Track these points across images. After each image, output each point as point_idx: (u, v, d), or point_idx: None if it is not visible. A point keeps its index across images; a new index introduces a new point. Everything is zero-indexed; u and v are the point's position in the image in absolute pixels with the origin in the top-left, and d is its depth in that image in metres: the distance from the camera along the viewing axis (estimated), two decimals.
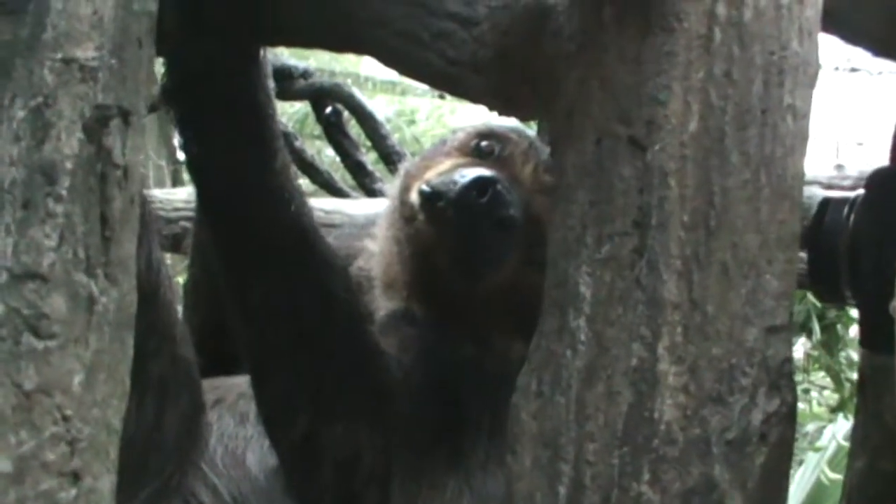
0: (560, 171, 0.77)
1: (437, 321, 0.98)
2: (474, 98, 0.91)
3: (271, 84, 0.86)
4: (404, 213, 1.00)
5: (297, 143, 2.88)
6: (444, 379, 0.94)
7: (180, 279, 1.23)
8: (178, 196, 1.63)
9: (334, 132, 2.83)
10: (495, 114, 0.90)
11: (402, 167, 1.14)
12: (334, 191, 2.81)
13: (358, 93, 2.65)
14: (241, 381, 0.94)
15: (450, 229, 0.94)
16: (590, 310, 0.69)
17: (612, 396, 0.66)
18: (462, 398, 0.95)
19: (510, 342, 1.00)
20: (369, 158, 2.89)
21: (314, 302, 0.84)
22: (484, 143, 1.05)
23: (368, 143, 2.87)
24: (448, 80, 0.87)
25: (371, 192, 2.34)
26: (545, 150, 1.06)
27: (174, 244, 1.51)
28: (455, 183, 0.93)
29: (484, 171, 0.95)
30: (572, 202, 0.73)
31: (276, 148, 0.82)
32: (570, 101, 0.75)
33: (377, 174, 2.66)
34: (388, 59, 0.91)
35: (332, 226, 1.47)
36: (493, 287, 0.98)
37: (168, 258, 1.39)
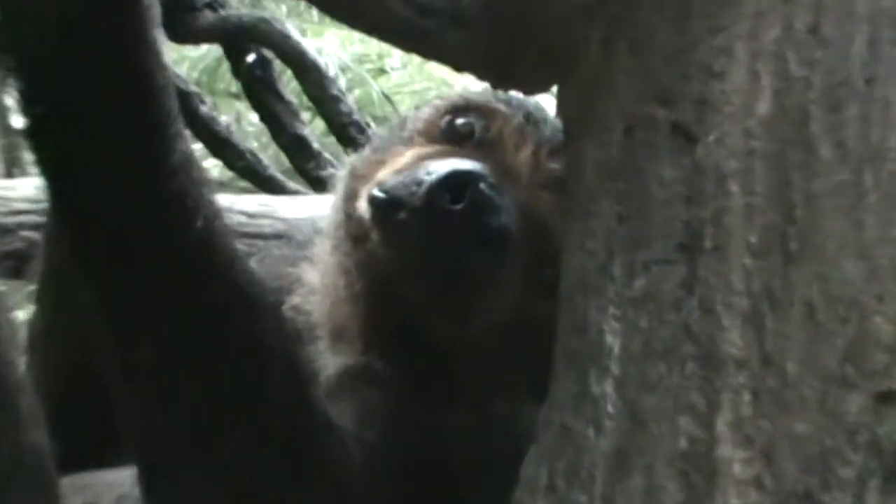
0: (576, 172, 0.76)
1: (410, 380, 0.97)
2: (456, 62, 0.90)
3: (162, 33, 0.84)
4: (352, 230, 0.98)
5: (204, 108, 2.88)
6: (426, 461, 0.93)
7: (23, 314, 1.17)
8: (19, 192, 1.48)
9: (260, 91, 2.83)
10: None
11: (349, 162, 1.11)
12: (261, 181, 2.80)
13: (295, 32, 2.62)
14: (122, 477, 0.91)
15: (417, 251, 0.92)
16: (619, 369, 0.69)
17: (652, 493, 0.65)
18: (450, 488, 0.94)
19: (517, 404, 1.00)
20: (314, 130, 2.90)
21: (233, 360, 0.82)
22: (460, 122, 1.04)
23: (313, 108, 2.87)
24: (419, 37, 0.86)
25: (316, 184, 2.33)
26: (552, 125, 1.03)
27: (15, 266, 1.39)
28: (419, 183, 0.91)
29: (460, 164, 0.93)
30: (593, 216, 0.72)
31: (170, 134, 0.79)
32: (590, 73, 0.74)
33: (326, 155, 2.67)
34: (334, 7, 0.91)
35: (260, 237, 1.46)
36: (487, 326, 0.96)
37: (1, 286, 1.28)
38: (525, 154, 1.01)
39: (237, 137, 2.64)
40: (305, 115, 2.63)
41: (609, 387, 0.70)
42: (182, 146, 0.81)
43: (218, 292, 0.84)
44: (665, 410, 0.68)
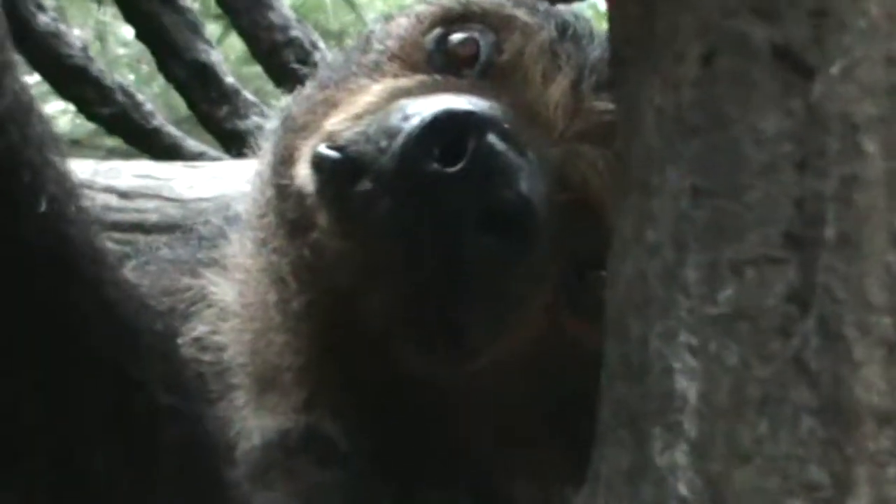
0: (630, 124, 0.77)
1: (377, 451, 1.00)
2: None
3: None
4: (287, 213, 1.02)
5: (44, 18, 2.90)
6: None
7: None
8: None
9: None
10: None
11: (283, 106, 1.15)
12: (140, 136, 2.85)
13: None
14: None
15: (389, 243, 0.95)
16: (697, 429, 0.71)
17: None
18: None
19: (542, 487, 1.02)
20: (226, 55, 2.94)
21: (95, 430, 0.85)
22: (456, 38, 1.08)
23: (224, 18, 2.91)
24: None
25: (230, 140, 2.37)
26: (601, 43, 1.06)
27: None
28: (392, 134, 0.94)
29: (456, 102, 0.95)
30: (655, 192, 0.74)
31: None
32: None
33: (246, 95, 2.71)
34: None
35: (139, 229, 1.50)
36: (499, 363, 0.99)
37: None
38: (559, 88, 1.03)
39: (100, 66, 2.68)
40: (212, 31, 2.67)
41: (682, 456, 0.72)
42: (13, 84, 0.83)
43: (71, 319, 0.86)
44: (768, 492, 0.70)
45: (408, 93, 1.02)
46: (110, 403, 0.87)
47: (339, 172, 0.96)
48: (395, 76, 1.08)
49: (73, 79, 2.57)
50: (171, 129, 2.50)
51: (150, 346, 0.90)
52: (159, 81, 3.07)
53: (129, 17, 2.83)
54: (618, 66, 0.82)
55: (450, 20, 1.11)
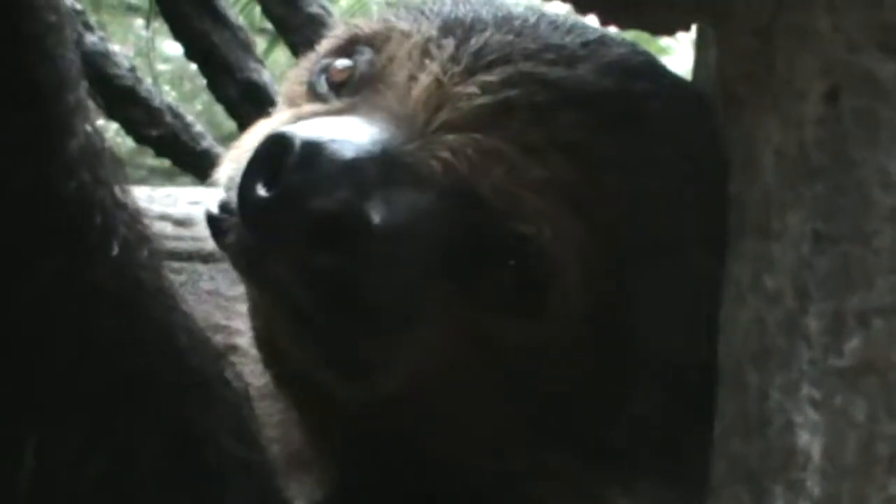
0: (747, 165, 0.77)
1: (394, 496, 1.00)
2: None
3: None
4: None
5: (92, 38, 2.91)
6: None
7: None
8: None
9: (185, 6, 2.85)
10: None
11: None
12: (189, 158, 2.85)
13: None
14: None
15: (256, 286, 0.98)
16: (822, 488, 0.70)
17: None
18: None
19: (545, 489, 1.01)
20: (274, 72, 2.94)
21: (167, 478, 0.86)
22: (338, 65, 1.07)
23: (274, 34, 2.91)
24: None
25: None
26: (500, 26, 1.04)
27: None
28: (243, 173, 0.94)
29: (282, 128, 0.95)
30: (774, 237, 0.74)
31: (67, 107, 0.81)
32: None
33: None
34: None
35: (199, 259, 1.49)
36: (443, 377, 0.99)
37: None
38: (422, 84, 1.02)
39: (148, 87, 2.68)
40: (263, 47, 2.67)
41: None
42: (85, 125, 0.83)
43: (141, 366, 0.86)
44: None
45: (290, 121, 1.03)
46: (180, 454, 0.88)
47: (212, 227, 0.98)
48: (297, 105, 1.09)
49: (121, 99, 2.57)
50: (221, 151, 2.50)
51: (221, 396, 0.91)
52: (202, 98, 3.07)
53: (179, 35, 2.83)
54: (732, 106, 0.81)
55: (338, 49, 1.12)
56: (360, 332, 0.96)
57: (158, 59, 4.20)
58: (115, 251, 0.84)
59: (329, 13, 2.72)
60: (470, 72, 1.01)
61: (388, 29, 1.07)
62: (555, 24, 1.07)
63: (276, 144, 0.93)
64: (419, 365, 0.98)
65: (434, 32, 1.04)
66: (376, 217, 0.93)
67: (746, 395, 0.76)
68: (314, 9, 2.63)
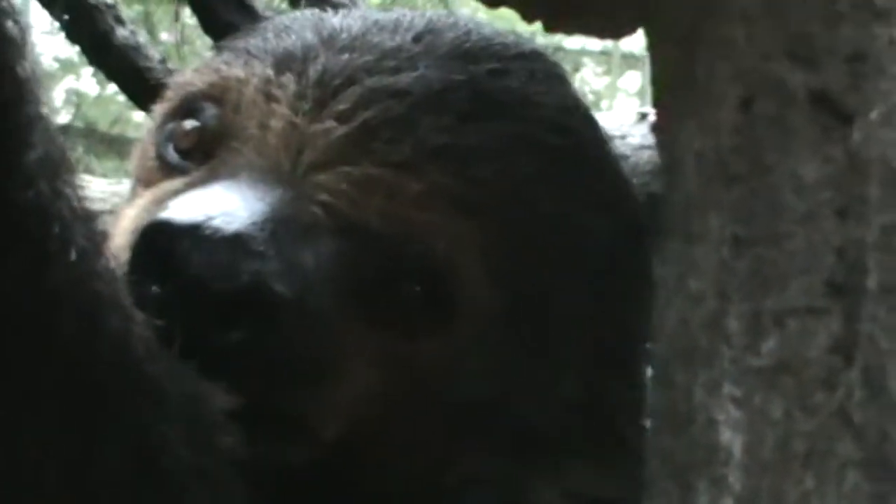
0: (672, 169, 0.79)
1: None
2: None
3: None
4: None
5: (123, 31, 2.96)
6: None
7: None
8: None
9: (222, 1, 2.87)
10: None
11: None
12: None
13: None
14: None
15: None
16: (742, 482, 0.72)
17: None
18: None
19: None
20: None
21: (124, 485, 0.87)
22: (179, 131, 1.07)
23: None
24: None
25: None
26: (336, 47, 1.04)
27: None
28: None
29: (152, 224, 0.94)
30: (697, 240, 0.75)
31: (25, 117, 0.82)
32: (691, 10, 0.77)
33: None
34: None
35: None
36: (373, 412, 1.01)
37: None
38: (275, 130, 1.02)
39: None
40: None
41: None
42: (44, 137, 0.85)
43: (96, 374, 0.87)
44: None
45: (138, 217, 1.04)
46: (137, 463, 0.89)
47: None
48: (146, 191, 1.07)
49: (153, 92, 2.62)
50: None
51: (177, 405, 0.91)
52: None
53: (207, 27, 2.87)
54: (658, 110, 0.83)
55: (177, 110, 1.12)
56: (285, 392, 0.98)
57: (205, 48, 4.24)
58: (73, 259, 0.85)
59: (355, 2, 2.75)
60: (320, 104, 1.02)
61: (223, 78, 1.06)
62: (379, 24, 1.08)
63: (156, 235, 0.93)
64: (351, 407, 1.00)
65: (270, 72, 1.04)
66: (279, 286, 0.94)
67: (674, 393, 0.77)
68: None
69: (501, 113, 1.05)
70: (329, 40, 1.08)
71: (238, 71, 1.07)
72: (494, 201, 1.02)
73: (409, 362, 1.01)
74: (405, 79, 1.04)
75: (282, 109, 1.02)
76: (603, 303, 1.08)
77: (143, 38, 3.30)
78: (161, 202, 1.00)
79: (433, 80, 1.04)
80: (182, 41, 4.98)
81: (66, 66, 7.97)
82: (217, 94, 1.07)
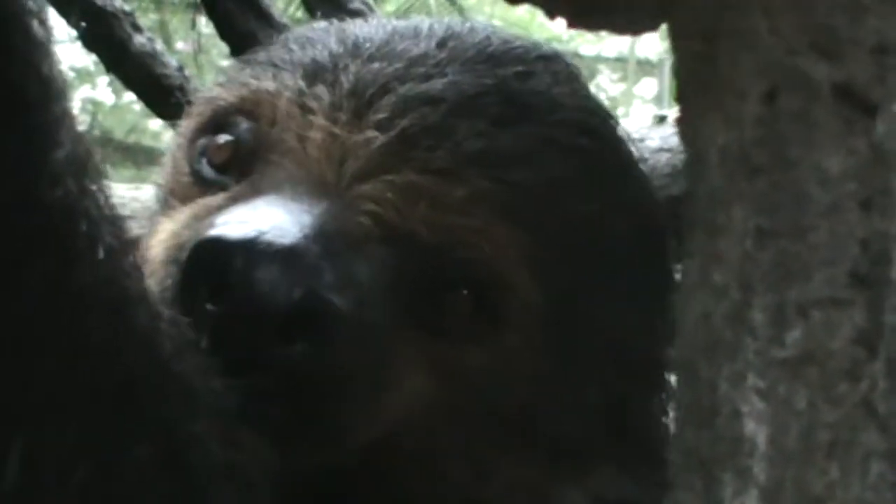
0: (695, 163, 0.79)
1: None
2: None
3: None
4: None
5: (140, 38, 2.97)
6: None
7: None
8: None
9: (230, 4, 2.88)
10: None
11: None
12: None
13: None
14: None
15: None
16: (767, 473, 0.72)
17: None
18: None
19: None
20: None
21: (153, 481, 0.87)
22: (212, 146, 1.08)
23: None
24: None
25: None
26: (369, 55, 1.04)
27: None
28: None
29: (215, 234, 0.96)
30: (720, 233, 0.76)
31: (51, 116, 0.83)
32: (713, 4, 0.77)
33: None
34: None
35: None
36: (412, 424, 1.03)
37: None
38: (314, 142, 1.02)
39: (196, 86, 2.73)
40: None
41: (752, 502, 0.73)
42: (71, 135, 0.85)
43: (124, 372, 0.87)
44: None
45: (178, 234, 1.04)
46: (166, 460, 0.90)
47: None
48: (183, 206, 1.08)
49: (170, 99, 2.62)
50: None
51: (205, 402, 0.92)
52: None
53: (224, 34, 2.88)
54: (682, 104, 0.84)
55: (208, 125, 1.12)
56: (339, 403, 0.99)
57: (221, 56, 4.25)
58: (101, 257, 0.85)
59: (371, 8, 2.76)
60: (357, 115, 1.02)
61: (254, 92, 1.07)
62: (399, 32, 1.08)
63: (207, 252, 0.95)
64: (397, 414, 1.01)
65: (302, 83, 1.05)
66: (336, 299, 0.95)
67: (698, 387, 0.77)
68: (356, 5, 2.67)
69: (531, 116, 1.06)
70: (355, 50, 1.08)
71: (268, 84, 1.07)
72: (532, 205, 1.03)
73: (458, 370, 1.02)
74: (437, 85, 1.05)
75: (319, 121, 1.03)
76: (627, 305, 1.09)
77: (159, 45, 3.31)
78: (203, 218, 1.01)
79: (465, 85, 1.05)
80: (199, 49, 4.99)
81: (82, 76, 8.02)
82: (249, 107, 1.07)
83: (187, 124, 1.17)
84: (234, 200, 1.03)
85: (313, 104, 1.05)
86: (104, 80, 7.91)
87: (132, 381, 0.89)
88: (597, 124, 1.10)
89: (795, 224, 0.74)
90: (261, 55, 1.15)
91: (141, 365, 0.89)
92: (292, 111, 1.05)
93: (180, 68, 3.17)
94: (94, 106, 8.11)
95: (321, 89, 1.06)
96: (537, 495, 1.05)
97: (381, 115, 1.03)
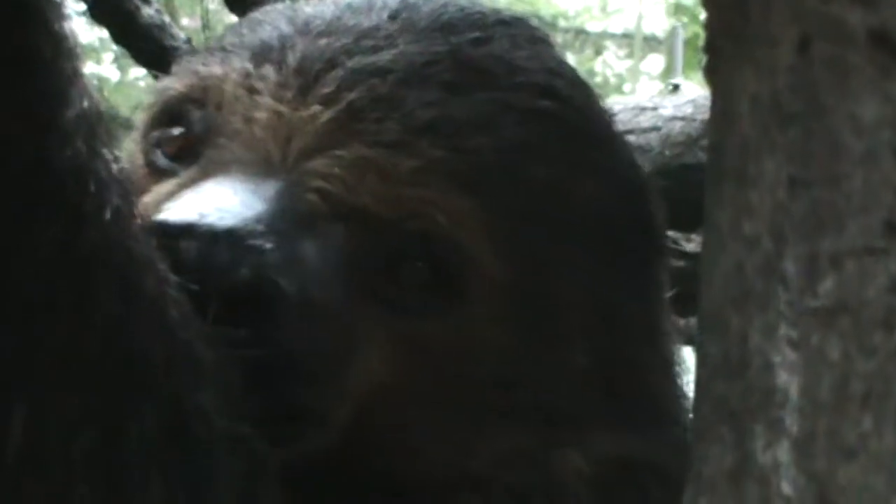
0: (725, 114, 0.79)
1: None
2: None
3: None
4: None
5: (149, 10, 2.96)
6: None
7: None
8: None
9: None
10: None
11: None
12: None
13: None
14: None
15: None
16: (799, 425, 0.72)
17: None
18: None
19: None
20: None
21: (155, 450, 0.87)
22: (164, 138, 1.08)
23: None
24: None
25: None
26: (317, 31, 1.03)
27: None
28: None
29: (157, 219, 0.95)
30: (752, 183, 0.75)
31: (62, 76, 0.83)
32: None
33: None
34: None
35: None
36: (389, 400, 1.02)
37: None
38: (262, 120, 1.01)
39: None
40: None
41: (784, 454, 0.73)
42: (81, 95, 0.85)
43: (130, 337, 0.87)
44: (873, 490, 0.71)
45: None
46: (171, 429, 0.89)
47: None
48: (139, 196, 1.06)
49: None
50: None
51: (210, 372, 0.91)
52: None
53: (233, 7, 2.88)
54: (712, 56, 0.83)
55: (161, 118, 1.12)
56: (296, 386, 0.98)
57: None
58: (108, 218, 0.85)
59: None
60: (303, 91, 1.01)
61: (202, 79, 1.06)
62: (352, 7, 1.07)
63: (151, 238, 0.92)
64: (366, 393, 1.00)
65: (248, 65, 1.04)
66: (280, 278, 0.95)
67: (728, 339, 0.77)
68: None
69: (487, 81, 1.04)
70: (304, 28, 1.07)
71: (216, 69, 1.07)
72: (490, 172, 1.01)
73: (421, 344, 1.01)
74: (386, 56, 1.04)
75: (265, 100, 1.02)
76: (605, 266, 1.07)
77: (167, 18, 3.31)
78: (155, 206, 1.01)
79: (414, 54, 1.03)
80: (205, 26, 4.99)
81: (88, 52, 8.01)
82: (198, 95, 1.07)
83: (142, 116, 1.17)
84: (183, 186, 1.03)
85: (259, 84, 1.04)
86: (109, 56, 7.90)
87: (140, 347, 0.88)
88: (561, 86, 1.08)
89: (829, 173, 0.73)
90: (213, 42, 1.15)
91: (148, 330, 0.89)
92: (239, 93, 1.04)
93: (188, 40, 3.16)
94: (100, 82, 8.11)
95: (267, 69, 1.05)
96: (536, 462, 1.04)
97: (326, 90, 1.02)
